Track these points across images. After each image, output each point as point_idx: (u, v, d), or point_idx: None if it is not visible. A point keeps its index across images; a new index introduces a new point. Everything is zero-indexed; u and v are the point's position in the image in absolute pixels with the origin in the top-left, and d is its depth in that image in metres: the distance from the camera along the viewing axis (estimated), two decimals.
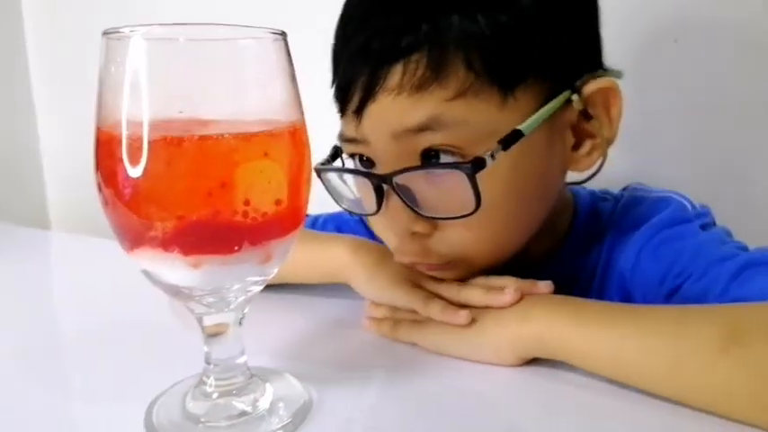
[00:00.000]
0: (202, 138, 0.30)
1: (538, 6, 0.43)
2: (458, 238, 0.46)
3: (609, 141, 0.47)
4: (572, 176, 0.51)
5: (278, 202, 0.33)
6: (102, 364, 0.46)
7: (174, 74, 0.31)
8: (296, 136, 0.34)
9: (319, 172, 0.49)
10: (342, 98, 0.46)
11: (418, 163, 0.44)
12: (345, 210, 0.51)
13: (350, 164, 0.50)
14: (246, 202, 0.31)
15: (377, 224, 0.49)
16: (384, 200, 0.45)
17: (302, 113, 0.35)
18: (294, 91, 0.34)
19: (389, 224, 0.46)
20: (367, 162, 0.48)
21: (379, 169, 0.46)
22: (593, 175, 0.49)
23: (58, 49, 1.30)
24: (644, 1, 0.71)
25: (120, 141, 0.30)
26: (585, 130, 0.47)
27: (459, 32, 0.41)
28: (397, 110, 0.43)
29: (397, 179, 0.43)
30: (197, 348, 0.38)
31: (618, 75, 0.47)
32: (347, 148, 0.49)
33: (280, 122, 0.33)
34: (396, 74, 0.42)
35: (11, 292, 0.65)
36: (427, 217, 0.44)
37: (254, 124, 0.32)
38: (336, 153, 0.51)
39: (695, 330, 0.37)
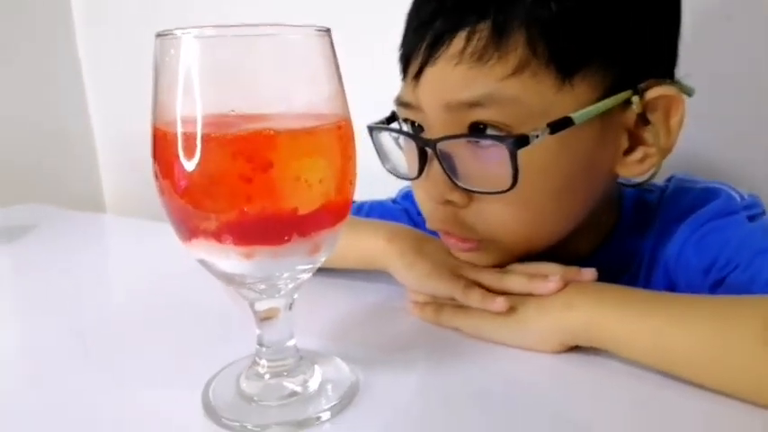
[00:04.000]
0: (253, 133, 0.32)
1: (611, 1, 0.43)
2: (492, 215, 0.46)
3: (664, 152, 0.46)
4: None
5: (327, 195, 0.34)
6: (159, 346, 0.48)
7: (224, 72, 0.33)
8: (342, 130, 0.35)
9: (371, 130, 0.51)
10: (405, 61, 0.48)
11: (465, 133, 0.45)
12: (388, 171, 0.52)
13: (404, 127, 0.51)
14: (297, 196, 0.33)
15: (418, 190, 0.50)
16: (426, 165, 0.47)
17: (347, 108, 0.36)
18: (339, 86, 0.35)
19: (428, 189, 0.47)
20: (418, 128, 0.49)
21: (427, 136, 0.47)
22: (646, 181, 0.49)
23: (108, 39, 1.35)
24: None
25: (175, 138, 0.32)
26: (641, 136, 0.46)
27: (528, 11, 0.42)
28: (454, 80, 0.43)
29: (441, 146, 0.44)
30: (249, 331, 0.40)
31: (689, 91, 0.47)
32: (401, 112, 0.50)
33: (326, 117, 0.34)
34: (459, 41, 0.43)
35: (67, 275, 0.68)
36: (464, 189, 0.45)
37: (302, 119, 0.34)
38: (393, 117, 0.52)
39: (741, 320, 0.37)
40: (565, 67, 0.42)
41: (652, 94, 0.44)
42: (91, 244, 0.84)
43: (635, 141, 0.47)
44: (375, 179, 0.53)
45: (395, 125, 0.52)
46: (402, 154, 0.52)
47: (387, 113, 0.52)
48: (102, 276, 0.70)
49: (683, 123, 0.45)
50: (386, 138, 0.51)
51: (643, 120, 0.45)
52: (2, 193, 1.25)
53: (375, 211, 0.68)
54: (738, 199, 0.51)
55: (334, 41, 0.35)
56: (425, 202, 0.49)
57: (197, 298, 0.57)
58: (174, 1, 1.18)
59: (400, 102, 0.49)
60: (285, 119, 0.33)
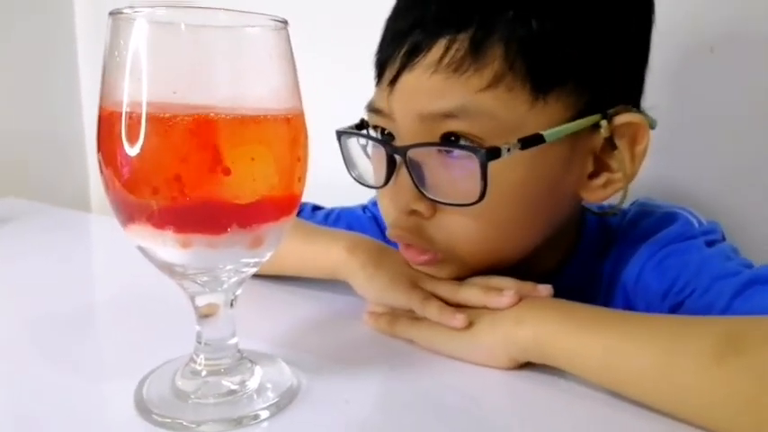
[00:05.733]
0: (197, 119, 0.31)
1: (589, 26, 0.44)
2: (454, 228, 0.46)
3: (628, 178, 0.46)
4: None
5: (270, 188, 0.34)
6: (110, 342, 0.48)
7: (175, 57, 0.32)
8: (292, 123, 0.35)
9: (340, 135, 0.51)
10: (381, 66, 0.47)
11: (436, 142, 0.44)
12: (354, 179, 0.52)
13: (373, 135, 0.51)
14: (238, 185, 0.32)
15: (383, 199, 0.49)
16: (394, 174, 0.46)
17: (300, 101, 0.35)
18: (293, 79, 0.35)
19: (393, 198, 0.47)
20: (387, 136, 0.48)
21: (398, 144, 0.46)
22: (613, 211, 0.50)
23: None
24: (679, 5, 0.69)
25: (119, 120, 0.31)
26: (606, 162, 0.47)
27: (508, 26, 0.42)
28: (429, 89, 0.43)
29: (412, 153, 0.44)
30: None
31: (652, 123, 0.47)
32: (372, 119, 0.50)
33: (277, 109, 0.34)
34: (438, 50, 0.43)
35: (33, 267, 0.68)
36: (430, 199, 0.45)
37: (252, 110, 0.33)
38: (362, 125, 0.52)
39: (690, 339, 0.36)
40: (540, 85, 0.42)
41: (620, 120, 0.45)
42: (63, 238, 0.83)
43: (600, 167, 0.47)
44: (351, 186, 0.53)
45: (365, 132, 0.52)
46: (369, 162, 0.51)
47: (355, 119, 0.52)
48: (69, 270, 0.69)
49: (647, 152, 0.46)
50: (354, 145, 0.51)
51: (610, 145, 0.45)
52: None
53: (343, 218, 0.68)
54: (696, 224, 0.51)
55: (293, 33, 0.35)
56: (390, 212, 0.49)
57: (160, 296, 0.55)
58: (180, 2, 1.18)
59: (372, 108, 0.49)
60: (235, 108, 0.32)
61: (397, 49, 0.45)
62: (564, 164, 0.45)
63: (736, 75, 0.68)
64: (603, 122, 0.44)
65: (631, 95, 0.48)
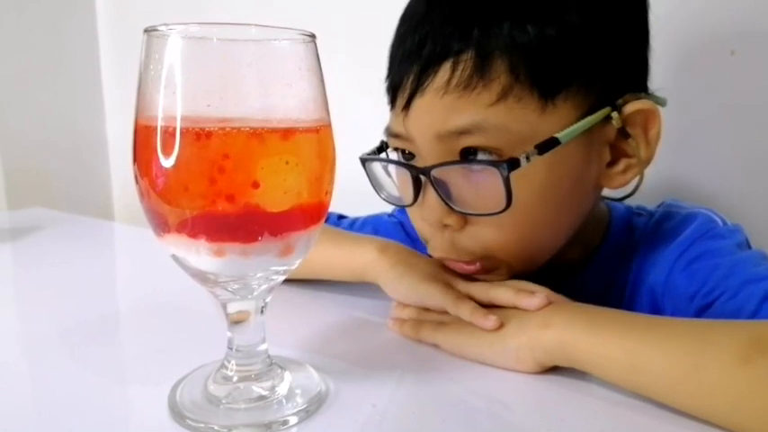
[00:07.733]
0: (230, 132, 0.32)
1: (585, 24, 0.44)
2: (486, 236, 0.47)
3: (645, 162, 0.47)
4: (613, 193, 0.52)
5: (300, 197, 0.34)
6: (142, 347, 0.49)
7: (208, 71, 0.33)
8: (321, 134, 0.35)
9: (364, 161, 0.52)
10: (393, 93, 0.49)
11: (457, 160, 0.45)
12: (384, 200, 0.53)
13: (394, 156, 0.52)
14: (269, 195, 0.33)
15: (413, 215, 0.51)
16: (421, 192, 0.47)
17: (328, 113, 0.36)
18: (321, 91, 0.36)
19: (424, 215, 0.48)
20: (409, 155, 0.50)
21: (419, 163, 0.48)
22: (631, 194, 0.50)
23: (129, 47, 1.37)
24: (700, 8, 0.69)
25: (155, 133, 0.32)
26: (623, 149, 0.48)
27: (508, 39, 0.43)
28: (442, 110, 0.45)
29: (435, 172, 0.45)
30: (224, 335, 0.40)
31: (662, 102, 0.48)
32: (392, 142, 0.51)
33: (306, 121, 0.35)
34: (445, 73, 0.44)
35: (63, 275, 0.69)
36: (459, 212, 0.46)
37: (282, 122, 0.34)
38: (382, 147, 0.53)
39: (716, 341, 0.36)
40: (547, 90, 0.44)
41: (630, 108, 0.46)
42: (90, 247, 0.85)
43: (617, 154, 0.48)
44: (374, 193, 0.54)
45: (384, 155, 0.53)
46: (390, 180, 0.53)
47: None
48: (96, 278, 0.70)
49: (661, 135, 0.47)
50: (378, 167, 0.53)
51: (623, 133, 0.46)
52: (15, 198, 1.28)
53: (368, 224, 0.68)
54: (720, 222, 0.51)
55: (321, 47, 0.35)
56: (424, 228, 0.50)
57: (187, 302, 0.57)
58: (205, 17, 1.20)
59: (390, 133, 0.50)
60: (264, 120, 0.33)
61: (406, 74, 0.46)
62: (582, 160, 0.47)
63: (756, 78, 0.68)
64: (614, 114, 0.46)
65: (638, 81, 0.49)
